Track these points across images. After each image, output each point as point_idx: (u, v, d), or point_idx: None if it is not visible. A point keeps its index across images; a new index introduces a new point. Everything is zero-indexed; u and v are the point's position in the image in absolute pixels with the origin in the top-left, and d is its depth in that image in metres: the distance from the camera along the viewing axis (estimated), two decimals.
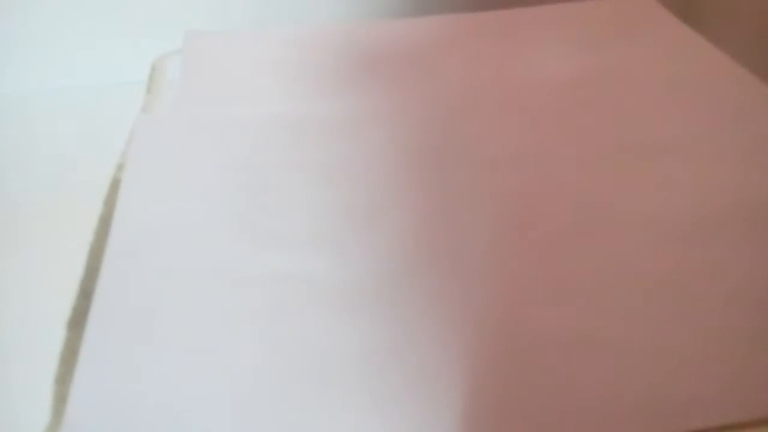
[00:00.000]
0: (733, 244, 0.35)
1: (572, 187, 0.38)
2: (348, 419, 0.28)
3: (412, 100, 0.45)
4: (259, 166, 0.40)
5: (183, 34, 0.52)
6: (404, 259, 0.34)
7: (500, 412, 0.28)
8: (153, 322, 0.31)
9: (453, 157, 0.40)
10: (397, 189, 0.38)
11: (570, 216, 0.36)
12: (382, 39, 0.52)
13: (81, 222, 0.37)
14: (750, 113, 0.43)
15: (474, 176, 0.39)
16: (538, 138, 0.42)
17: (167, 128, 0.42)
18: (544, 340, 0.30)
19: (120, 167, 0.40)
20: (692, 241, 0.35)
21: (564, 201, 0.37)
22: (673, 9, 0.55)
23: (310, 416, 0.28)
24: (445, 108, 0.44)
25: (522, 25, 0.53)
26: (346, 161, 0.40)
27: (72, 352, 0.31)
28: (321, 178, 0.39)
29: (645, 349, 0.30)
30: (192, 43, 0.50)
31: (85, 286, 0.33)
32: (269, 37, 0.52)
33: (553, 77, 0.47)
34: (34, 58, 0.57)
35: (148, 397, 0.28)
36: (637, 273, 0.33)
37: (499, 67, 0.48)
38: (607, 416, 0.28)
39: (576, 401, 0.28)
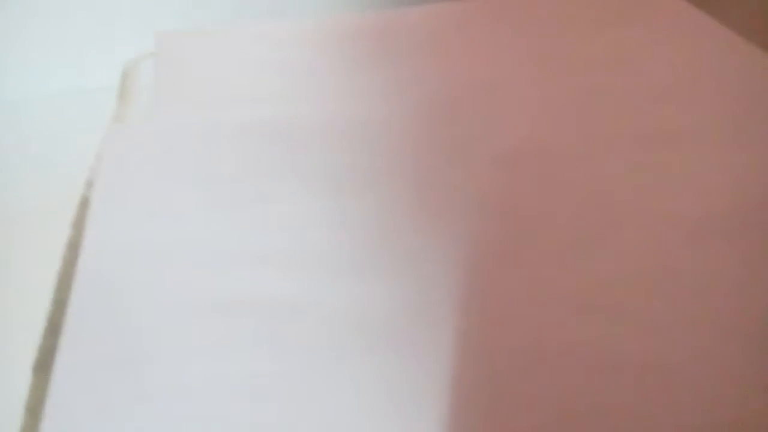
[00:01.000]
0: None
1: (588, 183, 0.35)
2: None
3: (404, 96, 0.42)
4: (238, 178, 0.36)
5: (154, 36, 0.48)
6: (407, 280, 0.31)
7: None
8: (129, 361, 0.28)
9: (457, 153, 0.37)
10: (395, 194, 0.35)
11: (588, 216, 0.33)
12: (365, 34, 0.48)
13: (48, 247, 0.34)
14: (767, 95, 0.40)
15: (481, 173, 0.36)
16: (550, 129, 0.39)
17: (139, 141, 0.39)
18: (568, 357, 0.27)
19: (89, 184, 0.37)
20: (719, 239, 0.32)
21: (581, 198, 0.34)
22: None
23: None
24: (443, 103, 0.41)
25: (523, 10, 0.50)
26: (332, 168, 0.37)
27: (38, 400, 0.27)
28: (306, 188, 0.36)
29: (680, 366, 0.27)
30: (164, 44, 0.47)
31: (54, 322, 0.30)
32: (245, 34, 0.48)
33: (561, 62, 0.44)
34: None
35: None
36: (665, 278, 0.30)
37: (502, 55, 0.45)
38: None
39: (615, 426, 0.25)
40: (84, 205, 0.36)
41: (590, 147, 0.37)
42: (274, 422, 0.26)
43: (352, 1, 0.59)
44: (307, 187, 0.36)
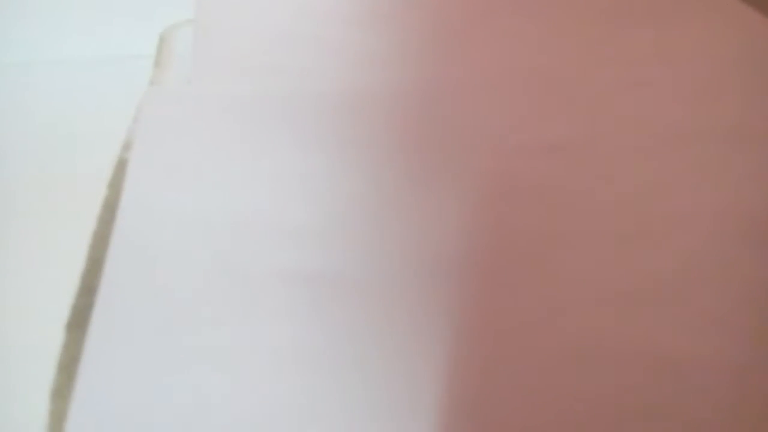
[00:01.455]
0: None
1: (630, 179, 0.34)
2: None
3: (446, 78, 0.41)
4: (278, 149, 0.36)
5: (194, 2, 0.47)
6: (428, 257, 0.30)
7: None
8: (164, 324, 0.27)
9: (488, 142, 0.36)
10: (425, 178, 0.34)
11: (629, 213, 0.32)
12: (409, 9, 0.47)
13: (83, 207, 0.33)
14: None
15: (513, 166, 0.35)
16: (597, 122, 0.38)
17: (179, 104, 0.38)
18: (615, 357, 0.26)
19: (126, 146, 0.36)
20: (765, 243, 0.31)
21: (622, 195, 0.33)
22: None
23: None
24: (485, 88, 0.40)
25: (564, 1, 0.49)
26: (367, 145, 0.36)
27: (72, 358, 0.26)
28: (343, 163, 0.35)
29: (733, 367, 0.26)
30: (205, 11, 0.46)
31: (88, 282, 0.29)
32: (288, 5, 0.47)
33: (595, 54, 0.43)
34: (33, 26, 0.53)
35: (159, 415, 0.24)
36: (714, 281, 0.29)
37: (543, 45, 0.44)
38: None
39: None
40: (121, 166, 0.35)
41: (638, 141, 0.36)
42: (312, 393, 0.25)
43: None
44: (349, 163, 0.35)
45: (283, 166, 0.35)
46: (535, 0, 0.49)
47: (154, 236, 0.30)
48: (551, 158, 0.35)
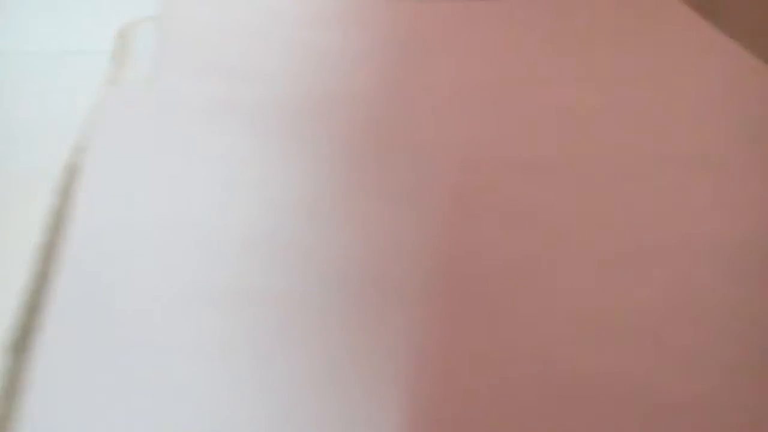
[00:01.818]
0: None
1: (613, 203, 0.33)
2: None
3: (410, 90, 0.39)
4: (243, 158, 0.33)
5: (156, 0, 0.45)
6: (415, 275, 0.28)
7: None
8: (117, 347, 0.25)
9: (467, 158, 0.34)
10: (407, 193, 0.32)
11: (604, 237, 0.31)
12: (382, 20, 0.45)
13: (28, 215, 0.30)
14: None
15: (494, 182, 0.33)
16: (569, 141, 0.36)
17: (138, 106, 0.35)
18: (587, 385, 0.24)
19: (79, 150, 0.33)
20: (752, 266, 0.30)
21: (604, 220, 0.32)
22: (693, 6, 0.51)
23: None
24: (448, 100, 0.38)
25: (534, 17, 0.47)
26: (330, 154, 0.34)
27: (13, 383, 0.24)
28: (303, 172, 0.33)
29: (711, 400, 0.24)
30: (170, 9, 0.43)
31: (33, 298, 0.26)
32: (257, 5, 0.45)
33: (574, 75, 0.42)
34: None
35: None
36: (694, 313, 0.28)
37: (507, 62, 0.42)
38: None
39: None
40: (71, 171, 0.32)
41: (614, 165, 0.35)
42: (257, 419, 0.23)
43: None
44: (309, 172, 0.33)
45: (244, 174, 0.32)
46: (513, 20, 0.47)
47: (109, 251, 0.28)
48: (521, 176, 0.34)
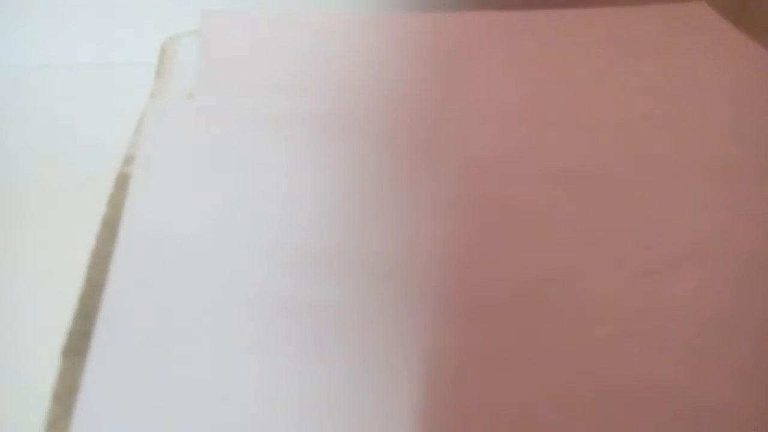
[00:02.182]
0: None
1: (646, 212, 0.33)
2: None
3: (447, 104, 0.40)
4: (287, 168, 0.34)
5: (199, 13, 0.46)
6: (433, 292, 0.29)
7: None
8: (167, 352, 0.26)
9: (493, 169, 0.35)
10: (437, 204, 0.33)
11: (632, 248, 0.31)
12: (414, 33, 0.46)
13: (81, 224, 0.32)
14: None
15: (520, 192, 0.34)
16: (600, 152, 0.37)
17: (184, 118, 0.37)
18: (615, 398, 0.25)
19: (128, 160, 0.35)
20: None
21: (632, 231, 0.32)
22: (724, 14, 0.51)
23: None
24: (484, 114, 0.39)
25: (565, 28, 0.48)
26: (378, 169, 0.35)
27: (68, 387, 0.25)
28: (354, 186, 0.34)
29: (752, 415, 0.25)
30: (210, 22, 0.45)
31: (86, 304, 0.28)
32: (295, 21, 0.46)
33: (604, 86, 0.42)
34: (35, 29, 0.51)
35: None
36: (729, 324, 0.28)
37: (543, 73, 0.43)
38: None
39: None
40: (121, 181, 0.33)
41: (640, 176, 0.35)
42: (311, 426, 0.24)
43: (399, 3, 0.57)
44: (346, 188, 0.34)
45: (288, 186, 0.33)
46: (537, 27, 0.48)
47: (156, 259, 0.29)
48: (552, 187, 0.34)
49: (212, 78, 0.40)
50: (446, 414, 0.24)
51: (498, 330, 0.27)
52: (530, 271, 0.30)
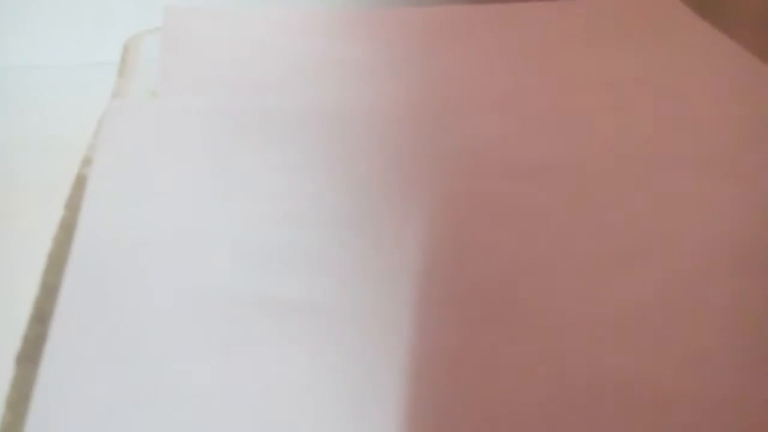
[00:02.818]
0: None
1: (612, 205, 0.33)
2: None
3: (417, 97, 0.39)
4: (248, 167, 0.34)
5: (163, 10, 0.46)
6: (416, 286, 0.28)
7: None
8: (124, 357, 0.25)
9: (470, 163, 0.35)
10: (407, 199, 0.33)
11: (614, 238, 0.31)
12: (382, 28, 0.46)
13: (38, 227, 0.31)
14: None
15: (495, 187, 0.33)
16: (571, 144, 0.36)
17: (143, 118, 0.36)
18: (593, 388, 0.25)
19: (86, 162, 0.34)
20: (753, 270, 0.30)
21: (604, 222, 0.32)
22: (691, 6, 0.51)
23: None
24: (458, 107, 0.39)
25: (538, 20, 0.48)
26: (344, 164, 0.34)
27: (22, 394, 0.24)
28: (319, 182, 0.33)
29: (721, 402, 0.25)
30: (174, 19, 0.44)
31: (41, 309, 0.27)
32: (260, 18, 0.46)
33: (577, 77, 0.42)
34: None
35: None
36: (696, 311, 0.28)
37: (515, 66, 0.43)
38: None
39: None
40: (80, 184, 0.33)
41: (619, 166, 0.35)
42: (280, 419, 0.23)
43: None
44: (320, 182, 0.33)
45: (252, 184, 0.33)
46: (515, 22, 0.47)
47: (112, 262, 0.29)
48: (523, 181, 0.34)
49: (175, 76, 0.40)
50: (431, 404, 0.24)
51: (473, 319, 0.27)
52: (502, 266, 0.29)
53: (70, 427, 0.23)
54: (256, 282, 0.28)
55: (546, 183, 0.34)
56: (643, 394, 0.25)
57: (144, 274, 0.28)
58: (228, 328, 0.27)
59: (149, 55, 0.43)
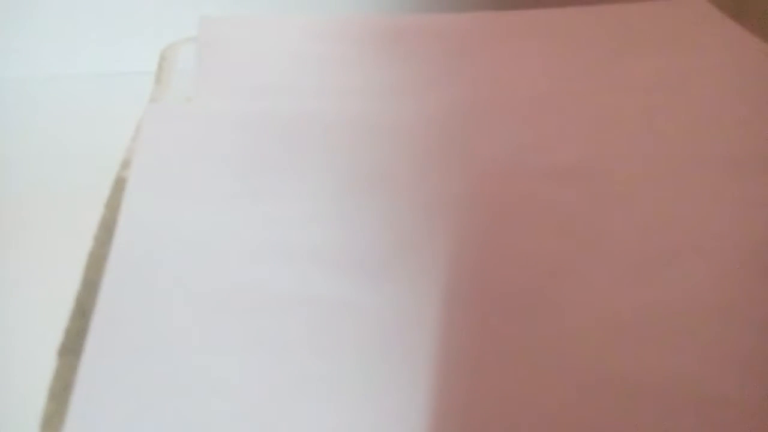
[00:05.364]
0: None
1: (644, 208, 0.33)
2: None
3: (452, 101, 0.40)
4: (283, 169, 0.35)
5: (197, 21, 0.47)
6: (444, 286, 0.29)
7: None
8: (162, 349, 0.26)
9: (501, 166, 0.35)
10: (438, 199, 0.33)
11: (648, 239, 0.31)
12: (415, 34, 0.46)
13: (79, 227, 0.32)
14: None
15: (526, 190, 0.34)
16: (604, 147, 0.37)
17: (180, 121, 0.37)
18: (623, 389, 0.25)
19: (125, 164, 0.35)
20: None
21: (637, 224, 0.32)
22: (723, 9, 0.51)
23: None
24: (491, 112, 0.39)
25: (571, 26, 0.48)
26: (379, 168, 0.35)
27: (64, 385, 0.25)
28: (352, 185, 0.34)
29: (745, 402, 0.25)
30: (209, 29, 0.45)
31: (83, 304, 0.28)
32: (294, 26, 0.47)
33: (609, 82, 0.42)
34: (35, 41, 0.52)
35: None
36: (733, 312, 0.28)
37: (544, 71, 0.43)
38: None
39: None
40: (119, 185, 0.34)
41: (645, 168, 0.35)
42: (307, 424, 0.24)
43: (399, 4, 0.57)
44: (348, 184, 0.34)
45: (286, 186, 0.34)
46: (539, 26, 0.48)
47: (152, 258, 0.29)
48: (556, 183, 0.34)
49: (211, 82, 0.40)
50: (457, 404, 0.25)
51: (503, 324, 0.27)
52: (534, 267, 0.30)
53: (109, 416, 0.24)
54: (289, 280, 0.29)
55: (577, 186, 0.34)
56: (686, 395, 0.25)
57: (181, 271, 0.29)
58: (262, 324, 0.27)
59: (185, 64, 0.44)
